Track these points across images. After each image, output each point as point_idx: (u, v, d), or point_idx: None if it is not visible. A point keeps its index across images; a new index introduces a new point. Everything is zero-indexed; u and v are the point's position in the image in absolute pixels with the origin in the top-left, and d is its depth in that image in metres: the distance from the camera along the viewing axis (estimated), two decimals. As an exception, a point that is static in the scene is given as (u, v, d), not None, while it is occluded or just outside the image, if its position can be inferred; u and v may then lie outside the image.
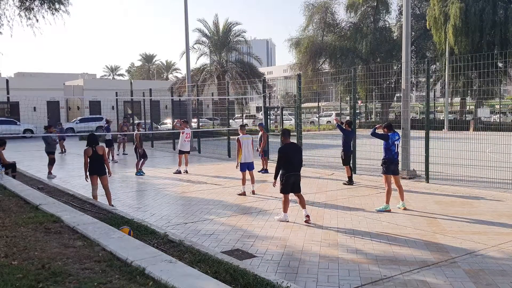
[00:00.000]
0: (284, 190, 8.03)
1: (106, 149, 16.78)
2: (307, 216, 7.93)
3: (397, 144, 8.99)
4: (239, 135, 10.98)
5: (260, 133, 14.71)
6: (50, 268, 4.77)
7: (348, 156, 12.03)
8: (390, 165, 8.85)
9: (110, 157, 18.10)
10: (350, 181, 11.87)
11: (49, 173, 14.08)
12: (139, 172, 14.20)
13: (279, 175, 8.09)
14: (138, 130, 15.33)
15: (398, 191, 8.96)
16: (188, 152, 15.02)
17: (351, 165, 12.25)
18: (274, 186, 8.44)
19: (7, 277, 4.46)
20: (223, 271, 4.94)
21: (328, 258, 6.10)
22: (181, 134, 15.08)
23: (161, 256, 5.12)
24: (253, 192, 10.71)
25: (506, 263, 5.80)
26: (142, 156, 14.21)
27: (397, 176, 9.02)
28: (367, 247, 6.58)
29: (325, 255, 6.22)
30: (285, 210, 8.13)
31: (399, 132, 12.64)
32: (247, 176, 10.78)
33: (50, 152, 14.38)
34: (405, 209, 8.77)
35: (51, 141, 14.54)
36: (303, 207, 8.06)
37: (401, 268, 5.67)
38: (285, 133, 8.35)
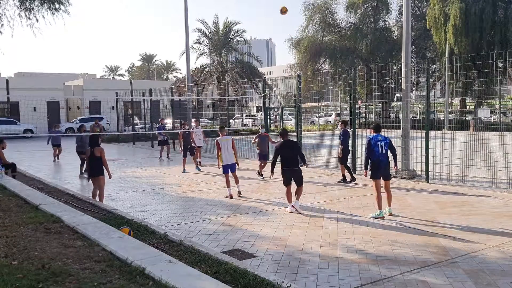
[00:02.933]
0: (284, 183, 8.93)
1: (159, 148, 18.43)
2: (295, 207, 8.71)
3: (381, 145, 8.32)
4: (220, 136, 10.75)
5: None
6: (50, 268, 4.77)
7: (347, 155, 12.17)
8: (378, 169, 8.33)
9: (159, 155, 18.74)
10: (344, 180, 12.06)
11: (81, 172, 14.09)
12: (197, 168, 15.12)
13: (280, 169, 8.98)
14: (183, 128, 16.17)
15: (386, 196, 8.50)
16: (200, 147, 16.07)
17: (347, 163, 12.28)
18: (270, 178, 9.48)
19: (7, 277, 4.46)
20: (223, 271, 4.94)
21: (328, 258, 6.09)
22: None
23: (161, 256, 5.12)
24: (239, 193, 10.43)
25: (506, 263, 5.80)
26: (184, 153, 15.12)
27: (388, 182, 8.53)
28: (367, 247, 6.58)
29: (325, 255, 6.22)
30: (289, 201, 8.83)
31: (398, 132, 12.79)
32: (231, 177, 10.59)
33: (79, 152, 14.35)
34: (391, 215, 8.34)
35: (78, 140, 14.49)
36: (297, 198, 8.88)
37: (401, 268, 5.67)
38: (281, 132, 9.29)
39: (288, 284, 4.66)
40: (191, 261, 5.33)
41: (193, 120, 19.55)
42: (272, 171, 9.22)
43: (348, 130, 12.44)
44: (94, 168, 9.38)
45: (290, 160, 8.89)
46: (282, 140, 9.14)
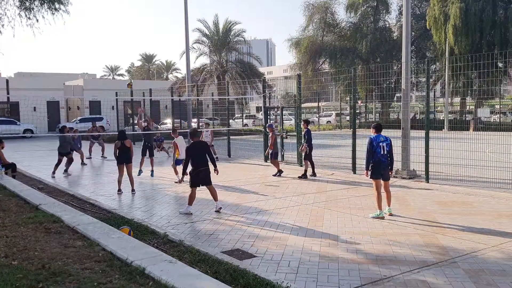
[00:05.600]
0: (192, 184, 8.87)
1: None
2: (219, 208, 8.84)
3: (383, 146, 8.32)
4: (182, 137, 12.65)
5: (270, 134, 14.15)
6: (50, 268, 4.77)
7: (311, 151, 13.22)
8: (377, 169, 8.31)
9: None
10: (305, 176, 12.88)
11: (53, 172, 14.02)
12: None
13: (190, 170, 8.96)
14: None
15: (386, 196, 8.50)
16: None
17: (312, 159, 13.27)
18: (180, 182, 9.83)
19: (7, 277, 4.46)
20: (223, 271, 4.95)
21: (328, 258, 6.09)
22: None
23: (161, 256, 5.12)
24: (181, 181, 12.28)
25: (506, 263, 5.80)
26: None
27: (387, 182, 8.51)
28: (367, 247, 6.57)
29: (325, 255, 6.22)
30: (189, 203, 8.84)
31: (399, 132, 12.79)
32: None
33: (60, 153, 14.41)
34: (391, 215, 8.34)
35: (61, 141, 14.63)
36: (215, 199, 8.93)
37: (401, 268, 5.67)
38: (191, 133, 9.34)
39: (288, 284, 4.66)
40: (191, 261, 5.34)
41: (193, 120, 19.73)
42: (183, 173, 9.27)
43: (310, 128, 13.56)
44: (126, 157, 10.94)
45: (201, 160, 8.88)
46: (192, 141, 9.10)
